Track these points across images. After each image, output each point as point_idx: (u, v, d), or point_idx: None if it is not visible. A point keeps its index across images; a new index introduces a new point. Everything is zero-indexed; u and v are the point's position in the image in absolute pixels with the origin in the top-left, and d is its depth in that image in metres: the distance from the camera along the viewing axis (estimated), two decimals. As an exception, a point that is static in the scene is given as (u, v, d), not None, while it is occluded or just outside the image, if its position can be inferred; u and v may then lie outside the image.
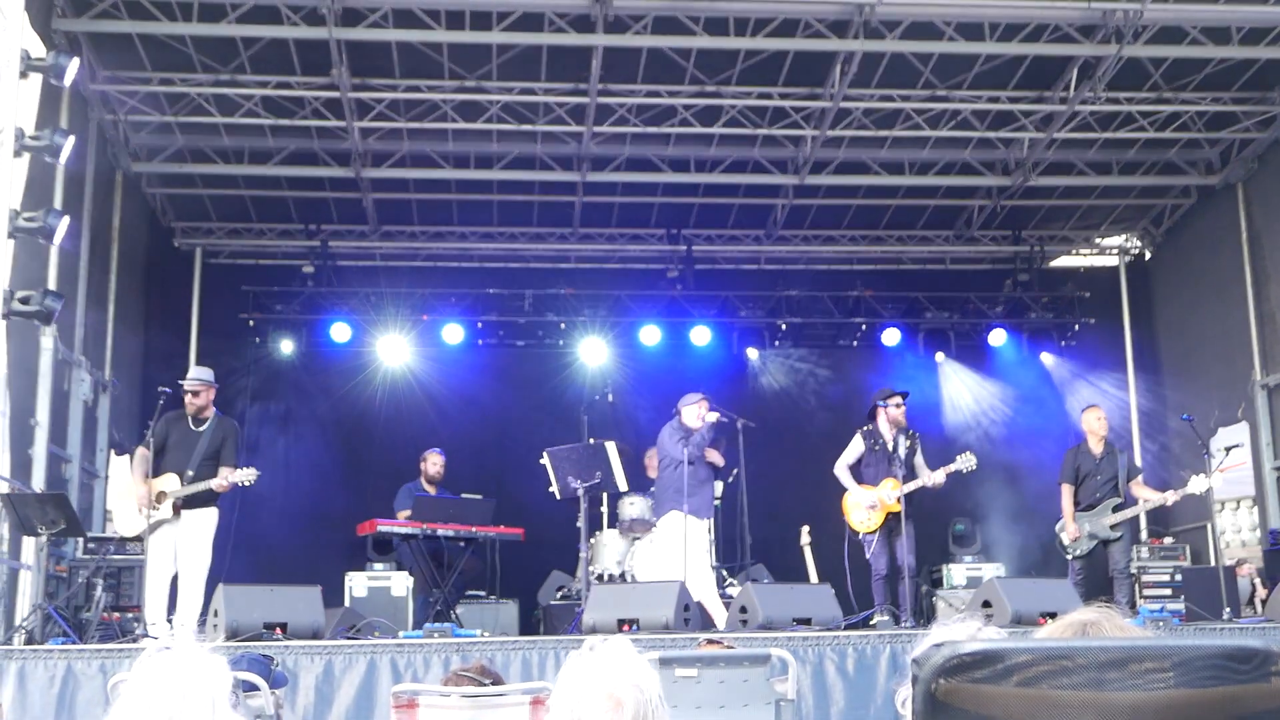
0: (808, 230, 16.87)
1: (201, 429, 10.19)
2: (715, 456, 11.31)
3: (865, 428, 11.57)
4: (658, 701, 2.63)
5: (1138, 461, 15.22)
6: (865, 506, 11.23)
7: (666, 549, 11.14)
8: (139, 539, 10.13)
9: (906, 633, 8.75)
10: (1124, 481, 11.28)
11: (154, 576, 9.77)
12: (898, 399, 11.43)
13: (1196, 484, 10.93)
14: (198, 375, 10.48)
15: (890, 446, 11.29)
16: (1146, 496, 11.28)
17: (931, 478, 11.02)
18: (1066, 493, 11.32)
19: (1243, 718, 1.79)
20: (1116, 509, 11.16)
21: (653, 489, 13.04)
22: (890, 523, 11.16)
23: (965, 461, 11.11)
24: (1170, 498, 11.31)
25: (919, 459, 11.30)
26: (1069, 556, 11.31)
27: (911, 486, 11.01)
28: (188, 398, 10.24)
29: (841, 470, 11.39)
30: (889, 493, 11.08)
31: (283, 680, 6.13)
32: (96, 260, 12.95)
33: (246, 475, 9.96)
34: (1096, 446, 11.42)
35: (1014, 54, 12.49)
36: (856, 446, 11.41)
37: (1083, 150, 14.85)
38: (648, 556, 12.41)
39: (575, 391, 15.66)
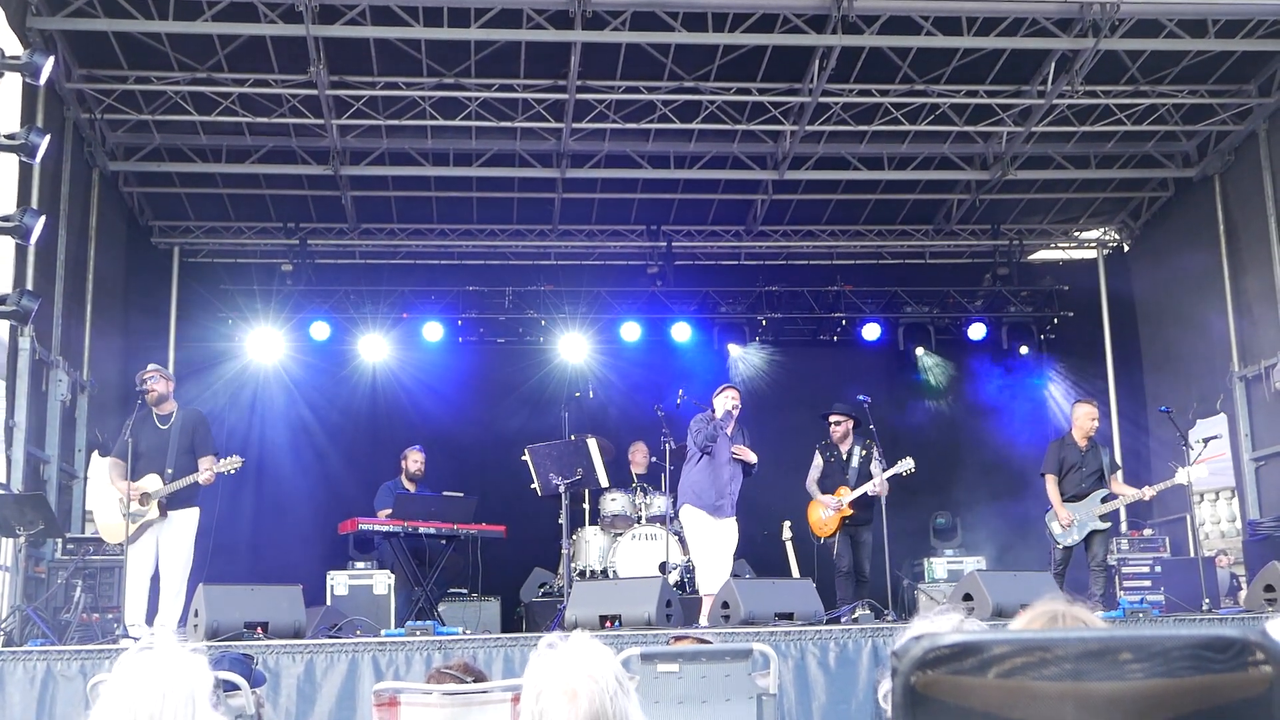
0: (787, 225, 16.89)
1: (168, 426, 10.04)
2: (745, 453, 11.17)
3: (822, 442, 12.25)
4: (616, 689, 2.68)
5: (1117, 457, 15.28)
6: (822, 514, 11.94)
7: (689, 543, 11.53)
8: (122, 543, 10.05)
9: (888, 626, 8.77)
10: (1107, 475, 11.36)
11: (134, 577, 9.72)
12: (836, 418, 12.15)
13: (1182, 475, 11.06)
14: (155, 369, 10.27)
15: (844, 457, 12.00)
16: (1125, 492, 11.36)
17: (875, 484, 11.52)
18: (1052, 483, 11.38)
19: (1220, 707, 1.80)
20: (1104, 500, 11.22)
21: (634, 485, 13.10)
22: (848, 527, 11.83)
23: (904, 465, 11.69)
24: (1148, 493, 11.49)
25: (873, 466, 11.78)
26: (1059, 546, 11.28)
27: (856, 493, 11.68)
28: (149, 397, 10.00)
29: (811, 486, 12.06)
30: (841, 500, 11.79)
31: (261, 679, 6.10)
32: (74, 260, 12.88)
33: (231, 464, 9.88)
34: (1082, 440, 11.49)
35: (991, 48, 12.53)
36: (817, 462, 12.13)
37: (1060, 144, 14.90)
38: (629, 552, 12.44)
39: (556, 388, 15.66)
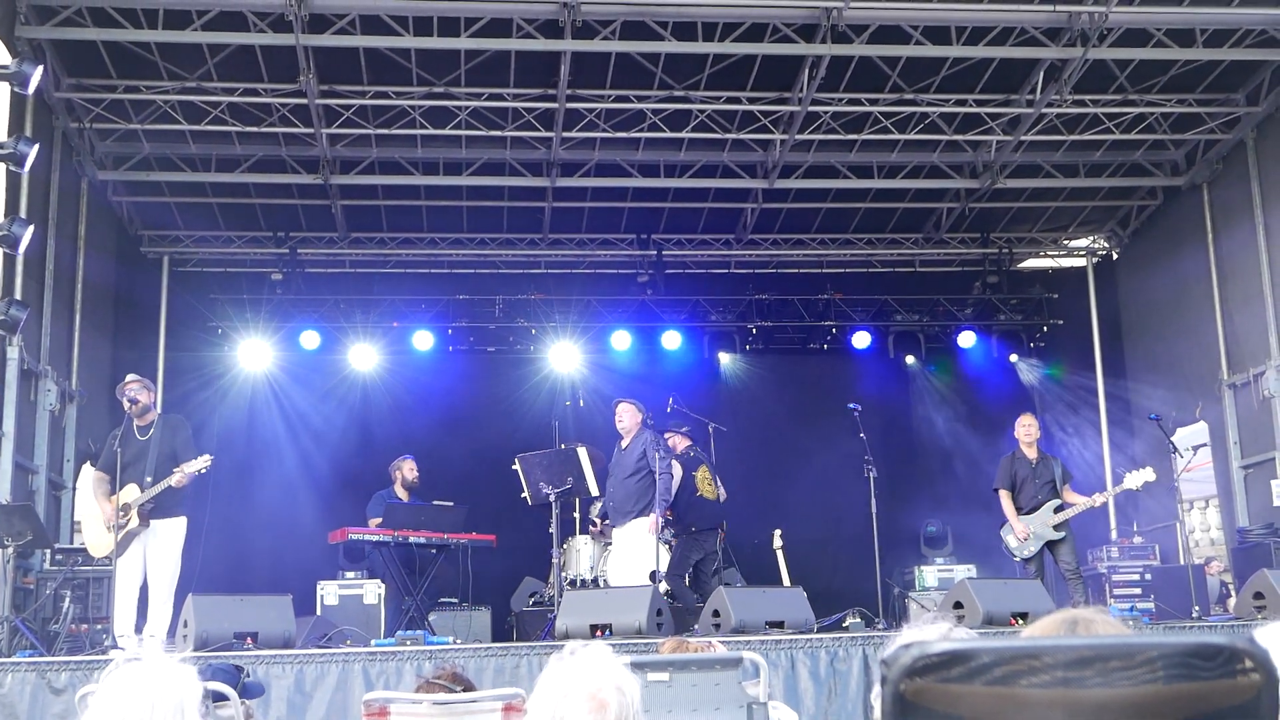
0: (777, 234, 16.91)
1: (148, 436, 9.91)
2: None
3: None
4: (638, 709, 2.65)
5: (1103, 462, 15.32)
6: None
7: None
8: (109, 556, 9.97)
9: (878, 635, 8.77)
10: (1059, 486, 11.42)
11: (123, 587, 9.66)
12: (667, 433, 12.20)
13: (1132, 480, 11.12)
14: (135, 379, 10.14)
15: None
16: (1076, 501, 11.40)
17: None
18: (1006, 498, 11.49)
19: (1208, 714, 1.80)
20: (1057, 510, 11.28)
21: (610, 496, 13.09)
22: None
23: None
24: (1099, 500, 11.66)
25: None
26: (1016, 559, 11.43)
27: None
28: (134, 408, 9.88)
29: None
30: None
31: (258, 690, 6.08)
32: (63, 269, 12.86)
33: (200, 463, 9.72)
34: (1030, 452, 11.61)
35: (981, 57, 12.56)
36: None
37: (1050, 152, 14.94)
38: (620, 561, 12.42)
39: (546, 397, 15.64)
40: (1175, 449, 11.67)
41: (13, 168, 9.70)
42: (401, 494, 12.88)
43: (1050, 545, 11.31)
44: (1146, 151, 15.08)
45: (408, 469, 13.01)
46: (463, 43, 11.90)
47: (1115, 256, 17.43)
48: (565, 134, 13.68)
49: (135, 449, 9.85)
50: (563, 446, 11.71)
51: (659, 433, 11.76)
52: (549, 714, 2.64)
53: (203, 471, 9.79)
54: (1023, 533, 11.27)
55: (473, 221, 16.29)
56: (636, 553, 11.10)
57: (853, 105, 13.50)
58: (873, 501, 11.15)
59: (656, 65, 12.80)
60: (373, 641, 9.19)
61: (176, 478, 9.67)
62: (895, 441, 15.67)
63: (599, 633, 8.50)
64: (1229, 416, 14.41)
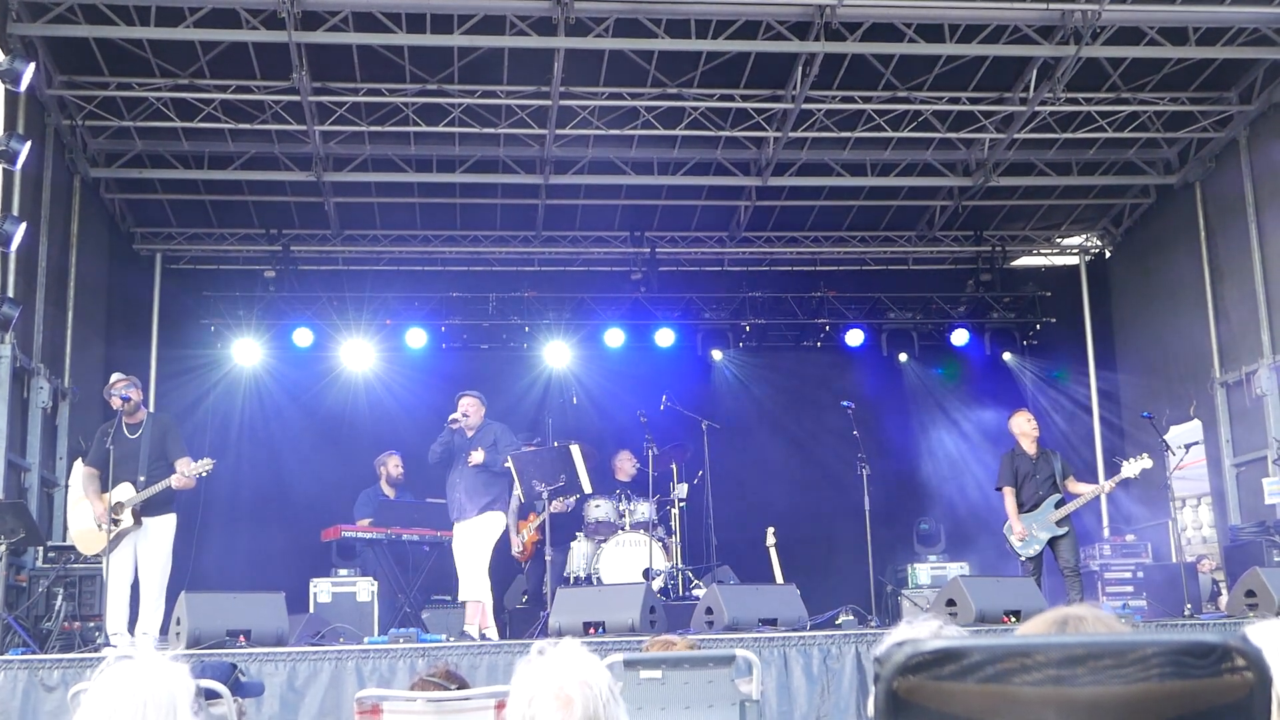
0: (771, 232, 16.90)
1: (138, 434, 9.93)
2: (473, 457, 10.96)
3: None
4: (609, 697, 2.67)
5: (1095, 457, 15.33)
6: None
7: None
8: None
9: (871, 632, 8.79)
10: (1060, 480, 11.38)
11: (115, 585, 9.66)
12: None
13: (1130, 468, 11.06)
14: (122, 377, 10.17)
15: None
16: (1081, 491, 11.35)
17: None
18: (1009, 495, 11.40)
19: (1201, 712, 1.81)
20: (1058, 505, 11.25)
21: (618, 491, 13.05)
22: None
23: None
24: (1106, 487, 11.62)
25: None
26: (1021, 557, 11.37)
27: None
28: (126, 405, 9.89)
29: None
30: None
31: (257, 690, 6.07)
32: (55, 267, 12.83)
33: (204, 466, 9.76)
34: (1030, 448, 11.54)
35: (974, 55, 12.56)
36: None
37: (1043, 150, 14.95)
38: (613, 559, 12.43)
39: (539, 395, 15.63)
40: (1168, 447, 11.66)
41: (5, 165, 9.69)
42: (388, 490, 12.87)
43: (1052, 542, 11.26)
44: (1139, 150, 15.08)
45: (393, 465, 13.01)
46: (456, 40, 11.88)
47: (1108, 255, 17.45)
48: (559, 131, 13.66)
49: (126, 447, 9.87)
50: (556, 444, 11.70)
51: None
52: (521, 715, 2.67)
53: (204, 475, 9.83)
54: (1021, 532, 11.22)
55: (466, 219, 16.26)
56: (480, 546, 10.86)
57: (846, 103, 13.49)
58: (866, 499, 11.16)
59: (650, 63, 12.80)
60: (366, 639, 9.20)
61: (178, 479, 9.69)
62: (888, 439, 15.69)
63: (592, 630, 8.51)
64: (1221, 415, 14.42)
